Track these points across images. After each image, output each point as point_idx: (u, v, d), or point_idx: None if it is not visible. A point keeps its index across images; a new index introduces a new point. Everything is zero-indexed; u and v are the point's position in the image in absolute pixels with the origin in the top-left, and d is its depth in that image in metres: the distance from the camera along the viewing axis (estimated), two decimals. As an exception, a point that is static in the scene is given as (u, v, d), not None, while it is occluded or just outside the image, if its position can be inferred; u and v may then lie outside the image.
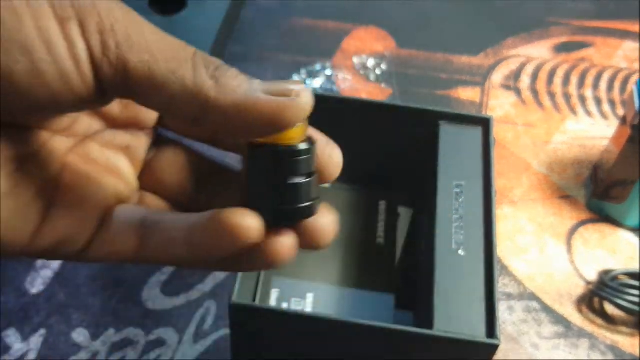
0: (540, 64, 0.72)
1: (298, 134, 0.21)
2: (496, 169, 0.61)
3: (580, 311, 0.52)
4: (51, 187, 0.23)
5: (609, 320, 0.52)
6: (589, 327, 0.51)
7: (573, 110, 0.68)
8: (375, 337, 0.35)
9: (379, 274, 0.43)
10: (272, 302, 0.41)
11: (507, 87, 0.69)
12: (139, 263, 0.23)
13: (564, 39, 0.75)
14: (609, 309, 0.52)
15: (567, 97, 0.69)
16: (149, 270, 0.52)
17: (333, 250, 0.44)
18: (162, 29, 0.21)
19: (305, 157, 0.22)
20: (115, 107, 0.25)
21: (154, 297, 0.51)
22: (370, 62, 0.70)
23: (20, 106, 0.20)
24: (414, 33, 0.74)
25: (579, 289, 0.54)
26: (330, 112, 0.36)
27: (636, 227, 0.57)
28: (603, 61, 0.72)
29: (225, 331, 0.49)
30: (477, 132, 0.44)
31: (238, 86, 0.20)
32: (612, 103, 0.69)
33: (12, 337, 0.48)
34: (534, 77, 0.70)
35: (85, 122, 0.24)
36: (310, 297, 0.42)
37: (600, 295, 0.51)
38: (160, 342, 0.48)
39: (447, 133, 0.44)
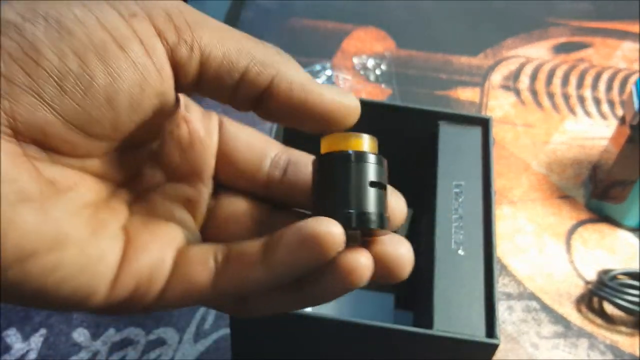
0: (539, 64, 0.72)
1: (369, 145, 0.22)
2: (495, 169, 0.61)
3: (580, 311, 0.52)
4: (124, 233, 0.22)
5: (608, 319, 0.52)
6: (588, 327, 0.51)
7: (572, 111, 0.68)
8: (375, 337, 0.35)
9: (379, 273, 0.43)
10: (272, 301, 0.41)
11: (506, 87, 0.69)
12: (218, 300, 0.22)
13: (563, 39, 0.75)
14: (609, 308, 0.52)
15: (566, 97, 0.69)
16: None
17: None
18: None
19: (376, 165, 0.22)
20: (175, 154, 0.24)
21: (154, 297, 0.51)
22: (370, 63, 0.70)
23: (101, 121, 0.20)
24: (413, 33, 0.74)
25: (579, 288, 0.54)
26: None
27: (635, 227, 0.57)
28: (602, 61, 0.72)
29: (225, 331, 0.49)
30: (476, 132, 0.44)
31: (301, 69, 0.22)
32: (611, 103, 0.69)
33: (12, 336, 0.48)
34: (533, 77, 0.70)
35: (147, 173, 0.24)
36: (310, 296, 0.42)
37: (600, 295, 0.51)
38: (160, 342, 0.48)
39: (447, 133, 0.44)
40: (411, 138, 0.45)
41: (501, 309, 0.52)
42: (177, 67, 0.20)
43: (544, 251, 0.56)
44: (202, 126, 0.24)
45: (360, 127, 0.24)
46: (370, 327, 0.34)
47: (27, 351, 0.47)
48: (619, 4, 0.79)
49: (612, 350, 0.50)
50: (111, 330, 0.49)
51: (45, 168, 0.20)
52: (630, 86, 0.59)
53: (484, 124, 0.44)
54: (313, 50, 0.71)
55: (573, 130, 0.66)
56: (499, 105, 0.67)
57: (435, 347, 0.35)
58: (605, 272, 0.52)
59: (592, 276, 0.54)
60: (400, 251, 0.22)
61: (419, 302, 0.41)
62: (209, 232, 0.25)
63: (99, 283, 0.21)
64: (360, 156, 0.22)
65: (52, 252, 0.19)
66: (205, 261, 0.22)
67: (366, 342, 0.36)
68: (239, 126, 0.24)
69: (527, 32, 0.75)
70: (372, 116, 0.46)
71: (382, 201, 0.22)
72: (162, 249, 0.22)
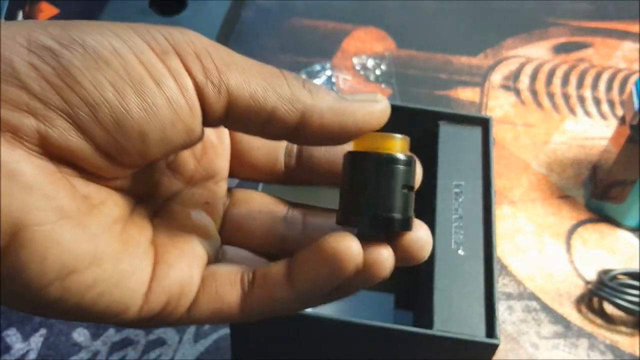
0: (539, 64, 0.72)
1: (400, 146, 0.23)
2: (495, 169, 0.61)
3: (580, 311, 0.52)
4: (152, 248, 0.23)
5: (608, 320, 0.52)
6: (588, 327, 0.51)
7: (572, 111, 0.68)
8: (375, 337, 0.35)
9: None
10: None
11: (506, 87, 0.69)
12: (246, 318, 0.23)
13: (563, 39, 0.75)
14: (608, 308, 0.52)
15: (566, 97, 0.69)
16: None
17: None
18: None
19: (405, 167, 0.22)
20: (190, 162, 0.25)
21: (154, 297, 0.51)
22: (370, 63, 0.70)
23: (131, 152, 0.20)
24: (413, 33, 0.74)
25: (579, 288, 0.54)
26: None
27: (635, 227, 0.57)
28: (602, 61, 0.72)
29: (225, 331, 0.49)
30: (476, 132, 0.44)
31: (327, 94, 0.22)
32: (611, 103, 0.69)
33: (12, 336, 0.48)
34: (533, 77, 0.70)
35: (165, 183, 0.25)
36: (310, 296, 0.42)
37: (600, 295, 0.51)
38: (160, 342, 0.48)
39: (447, 133, 0.44)
40: (411, 138, 0.45)
41: (501, 309, 0.52)
42: (204, 105, 0.21)
43: (544, 251, 0.56)
44: (213, 131, 0.25)
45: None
46: (370, 327, 0.34)
47: (27, 351, 0.47)
48: (619, 4, 0.79)
49: (612, 351, 0.50)
50: (111, 330, 0.49)
51: (79, 184, 0.20)
52: (630, 86, 0.58)
53: (484, 123, 0.44)
54: (313, 50, 0.71)
55: (573, 130, 0.66)
56: (499, 105, 0.67)
57: (435, 347, 0.35)
58: (605, 272, 0.52)
59: (592, 276, 0.54)
60: (419, 234, 0.23)
61: (419, 302, 0.41)
62: (227, 231, 0.25)
63: (132, 298, 0.21)
64: (392, 159, 0.22)
65: (91, 269, 0.20)
66: (235, 282, 0.23)
67: (366, 342, 0.36)
68: None
69: (527, 32, 0.75)
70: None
71: (408, 203, 0.22)
72: (190, 265, 0.23)
